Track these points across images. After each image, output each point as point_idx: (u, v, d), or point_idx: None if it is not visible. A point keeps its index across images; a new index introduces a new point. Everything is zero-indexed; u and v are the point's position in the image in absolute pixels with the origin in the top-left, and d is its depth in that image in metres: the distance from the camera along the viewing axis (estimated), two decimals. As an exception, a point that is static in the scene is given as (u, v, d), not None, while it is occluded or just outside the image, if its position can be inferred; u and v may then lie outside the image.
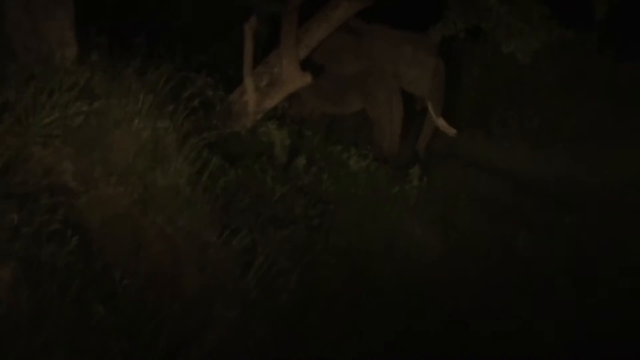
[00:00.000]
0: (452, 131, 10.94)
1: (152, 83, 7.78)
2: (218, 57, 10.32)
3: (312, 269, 7.76)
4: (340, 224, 8.59)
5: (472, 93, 12.91)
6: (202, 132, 7.81)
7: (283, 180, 8.56)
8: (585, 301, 8.83)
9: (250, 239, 7.37)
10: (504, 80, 12.97)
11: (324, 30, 9.84)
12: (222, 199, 7.56)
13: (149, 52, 8.14)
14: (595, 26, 10.31)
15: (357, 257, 8.32)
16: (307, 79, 9.56)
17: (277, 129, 9.27)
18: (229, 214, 7.53)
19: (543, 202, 10.59)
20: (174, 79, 8.05)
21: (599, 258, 9.56)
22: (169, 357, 6.28)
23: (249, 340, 6.81)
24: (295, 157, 9.10)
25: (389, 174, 9.67)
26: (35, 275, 5.90)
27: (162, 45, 8.48)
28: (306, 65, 9.69)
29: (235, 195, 7.83)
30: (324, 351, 7.22)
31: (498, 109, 12.46)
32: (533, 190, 10.94)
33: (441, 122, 10.91)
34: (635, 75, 13.34)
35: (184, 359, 6.41)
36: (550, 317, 8.51)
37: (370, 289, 8.12)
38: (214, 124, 8.42)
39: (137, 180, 7.01)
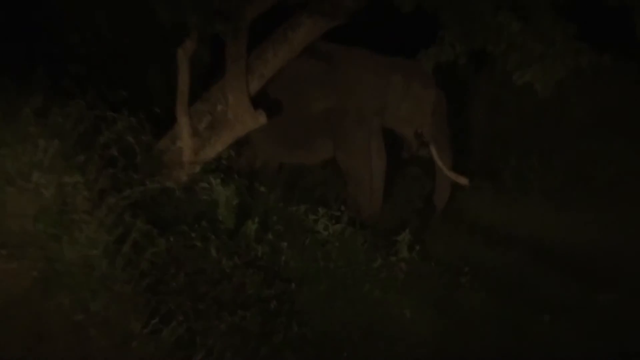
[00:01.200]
0: (463, 181, 11.17)
1: (56, 126, 7.97)
2: (143, 91, 10.42)
3: (270, 367, 7.84)
4: (306, 308, 8.71)
5: (477, 136, 13.12)
6: (122, 189, 7.97)
7: (230, 252, 8.69)
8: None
9: (187, 329, 7.43)
10: (518, 120, 13.20)
11: (282, 55, 10.02)
12: (149, 276, 7.65)
13: (52, 85, 8.31)
14: (635, 51, 10.31)
15: (328, 350, 8.41)
16: (260, 119, 9.71)
17: (221, 184, 9.40)
18: (159, 297, 7.59)
19: (571, 277, 10.68)
20: (86, 121, 8.25)
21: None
22: None
23: None
24: (245, 221, 9.22)
25: (369, 242, 9.81)
26: None
27: (70, 76, 8.66)
28: (259, 101, 9.87)
29: (167, 272, 7.94)
30: None
31: (511, 156, 12.64)
32: (558, 262, 11.07)
33: (449, 172, 11.15)
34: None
35: None
36: None
37: None
38: (138, 179, 8.51)
39: (38, 253, 7.13)
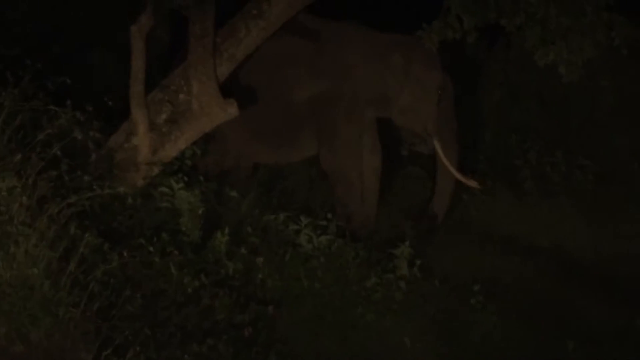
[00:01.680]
0: (473, 184, 11.29)
1: (-15, 121, 8.08)
2: (90, 78, 10.52)
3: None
4: (287, 336, 8.79)
5: (490, 129, 13.22)
6: (67, 195, 8.05)
7: (195, 269, 8.77)
8: None
9: (145, 361, 7.59)
10: (539, 109, 13.33)
11: (257, 33, 10.10)
12: (100, 299, 7.66)
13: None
14: None
15: (313, 386, 8.50)
16: (230, 110, 9.82)
17: (184, 188, 9.51)
18: (112, 323, 7.63)
19: (602, 297, 10.79)
20: (22, 114, 8.35)
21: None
22: None
23: None
24: (213, 233, 9.31)
25: (361, 256, 9.91)
26: None
27: (2, 60, 8.75)
28: (230, 88, 9.98)
29: (121, 294, 7.96)
30: None
31: (531, 153, 12.72)
32: (586, 279, 11.19)
33: (456, 172, 11.19)
34: None
35: None
36: None
37: None
38: (85, 183, 8.57)
39: (-34, 272, 7.25)
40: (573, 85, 9.82)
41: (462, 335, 9.63)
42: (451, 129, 11.29)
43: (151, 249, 8.66)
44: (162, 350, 7.79)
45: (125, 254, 8.31)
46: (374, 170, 11.17)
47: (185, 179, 9.67)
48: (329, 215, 10.30)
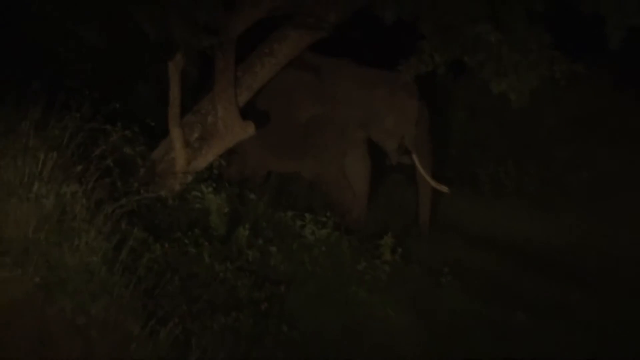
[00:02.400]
0: (443, 189, 11.24)
1: (54, 139, 8.06)
2: (137, 104, 10.50)
3: (261, 365, 7.93)
4: (295, 310, 8.80)
5: (456, 143, 13.19)
6: (119, 198, 8.06)
7: (222, 257, 8.80)
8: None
9: (183, 330, 7.48)
10: (495, 127, 13.30)
11: (269, 68, 10.14)
12: (146, 281, 7.72)
13: (50, 99, 8.38)
14: (609, 58, 10.39)
15: (315, 350, 8.49)
16: (249, 129, 9.82)
17: (212, 192, 9.52)
18: (155, 300, 7.68)
19: (546, 277, 10.82)
20: (82, 133, 8.34)
21: (613, 344, 9.75)
22: None
23: None
24: (236, 228, 9.32)
25: (354, 246, 9.89)
26: None
27: (67, 90, 8.75)
28: (248, 111, 9.97)
29: (163, 277, 7.99)
30: None
31: (489, 162, 12.72)
32: (533, 262, 11.20)
33: (431, 180, 11.22)
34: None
35: None
36: None
37: None
38: (133, 188, 8.62)
39: (39, 260, 7.18)
40: (521, 109, 9.68)
41: (434, 309, 9.65)
42: (427, 145, 11.30)
43: (186, 241, 8.70)
44: (196, 321, 7.79)
45: (165, 245, 8.40)
46: (364, 177, 11.19)
47: (214, 184, 9.70)
48: (328, 214, 10.24)
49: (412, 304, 9.55)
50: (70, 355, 6.96)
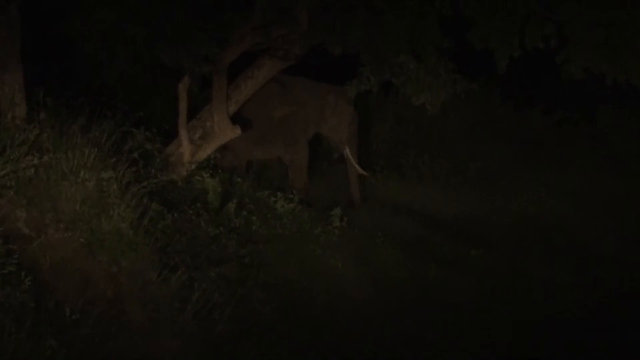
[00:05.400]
0: (365, 174, 11.39)
1: (95, 138, 8.10)
2: (155, 113, 10.48)
3: (245, 302, 7.98)
4: (269, 262, 8.84)
5: (386, 142, 13.08)
6: (142, 181, 8.10)
7: (216, 223, 8.83)
8: (488, 326, 9.19)
9: (188, 277, 7.59)
10: (415, 130, 13.30)
11: (251, 87, 10.14)
12: (161, 241, 7.81)
13: (92, 109, 8.42)
14: (497, 79, 10.55)
15: (285, 291, 8.56)
16: (237, 131, 9.84)
17: (210, 177, 9.52)
18: (168, 255, 7.76)
19: (452, 238, 10.87)
20: (116, 134, 8.39)
21: (499, 286, 9.98)
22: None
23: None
24: (226, 202, 9.33)
25: (312, 216, 9.92)
26: (-8, 313, 6.15)
27: (104, 103, 8.78)
28: (236, 117, 9.98)
29: (173, 238, 8.09)
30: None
31: (410, 155, 12.60)
32: (443, 227, 11.22)
33: (357, 166, 11.30)
34: (532, 122, 13.91)
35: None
36: (458, 341, 8.85)
37: (298, 320, 8.33)
38: (152, 174, 8.62)
39: (83, 226, 7.27)
40: (434, 116, 9.90)
41: (370, 260, 9.70)
42: (356, 140, 11.47)
43: (190, 212, 8.74)
44: (197, 270, 7.90)
45: (175, 214, 8.42)
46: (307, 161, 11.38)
47: (211, 171, 9.68)
48: (294, 192, 10.29)
49: (355, 258, 9.60)
50: (106, 295, 7.03)
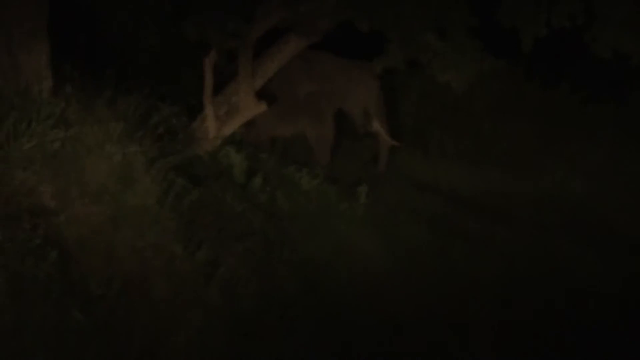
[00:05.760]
0: (397, 144, 11.45)
1: (122, 112, 7.96)
2: (181, 87, 10.45)
3: (270, 278, 7.91)
4: (294, 238, 8.75)
5: (411, 119, 13.16)
6: (167, 156, 7.98)
7: (241, 199, 8.73)
8: (512, 302, 9.11)
9: (213, 252, 7.51)
10: (440, 107, 13.27)
11: (277, 62, 10.02)
12: (186, 216, 7.69)
13: (118, 83, 8.27)
14: (522, 58, 10.48)
15: (309, 267, 8.48)
16: (262, 107, 9.72)
17: (235, 152, 9.45)
18: (193, 230, 7.63)
19: (477, 214, 10.84)
20: (142, 108, 8.24)
21: (524, 264, 9.87)
22: (141, 357, 6.46)
23: (214, 342, 6.97)
24: (252, 178, 9.26)
25: (338, 191, 9.86)
26: (18, 285, 6.07)
27: (131, 77, 8.63)
28: (262, 93, 9.87)
29: (199, 213, 7.95)
30: (280, 351, 7.39)
31: (435, 132, 12.71)
32: (468, 204, 11.20)
33: (388, 137, 11.39)
34: (556, 100, 13.78)
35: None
36: (480, 317, 8.78)
37: (322, 295, 8.26)
38: (178, 149, 8.55)
39: (109, 200, 7.15)
40: (460, 94, 9.79)
41: (396, 238, 9.62)
42: (384, 112, 11.53)
43: (216, 187, 8.63)
44: (222, 245, 7.78)
45: (201, 189, 8.27)
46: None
47: (236, 147, 9.63)
48: (320, 169, 10.28)
49: (379, 235, 9.52)
50: (131, 269, 6.97)
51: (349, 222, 9.45)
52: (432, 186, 11.49)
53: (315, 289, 8.30)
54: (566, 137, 13.22)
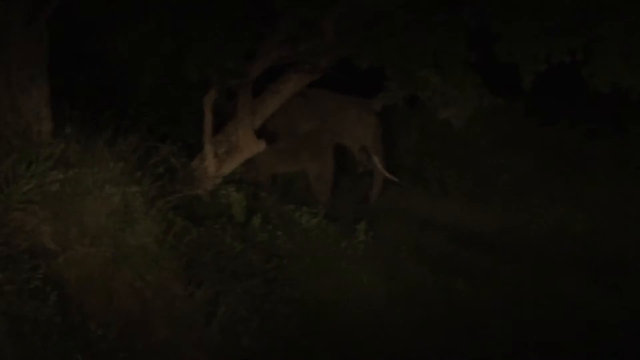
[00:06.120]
0: (395, 179, 11.52)
1: (121, 152, 8.06)
2: (181, 126, 10.46)
3: (270, 317, 7.93)
4: (294, 276, 8.77)
5: (411, 156, 13.06)
6: (167, 195, 8.05)
7: (241, 238, 8.76)
8: (520, 342, 9.02)
9: (213, 291, 7.55)
10: (440, 143, 13.23)
11: (277, 101, 10.08)
12: (186, 255, 7.75)
13: (118, 124, 8.37)
14: (522, 94, 10.32)
15: (310, 306, 8.49)
16: (262, 145, 9.77)
17: (235, 191, 9.46)
18: (193, 269, 7.70)
19: (479, 252, 10.76)
20: (141, 148, 8.33)
21: (531, 301, 9.82)
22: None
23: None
24: (252, 217, 9.26)
25: (337, 230, 9.84)
26: (19, 328, 6.12)
27: (130, 118, 8.71)
28: (261, 131, 9.93)
29: (198, 252, 8.01)
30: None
31: (436, 168, 12.64)
32: (470, 241, 11.11)
33: (385, 172, 11.46)
34: (557, 135, 13.79)
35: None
36: (486, 357, 8.72)
37: (323, 335, 8.26)
38: (177, 188, 8.58)
39: (109, 241, 7.22)
40: (460, 130, 9.78)
41: (397, 276, 9.57)
42: (381, 148, 11.63)
43: (215, 226, 8.64)
44: (223, 285, 7.81)
45: (200, 229, 8.33)
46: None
47: (236, 186, 9.64)
48: (319, 206, 10.28)
49: (380, 273, 9.48)
50: (131, 310, 7.00)
51: (349, 260, 9.42)
52: (433, 223, 11.40)
53: (317, 328, 8.30)
54: (567, 172, 13.19)
